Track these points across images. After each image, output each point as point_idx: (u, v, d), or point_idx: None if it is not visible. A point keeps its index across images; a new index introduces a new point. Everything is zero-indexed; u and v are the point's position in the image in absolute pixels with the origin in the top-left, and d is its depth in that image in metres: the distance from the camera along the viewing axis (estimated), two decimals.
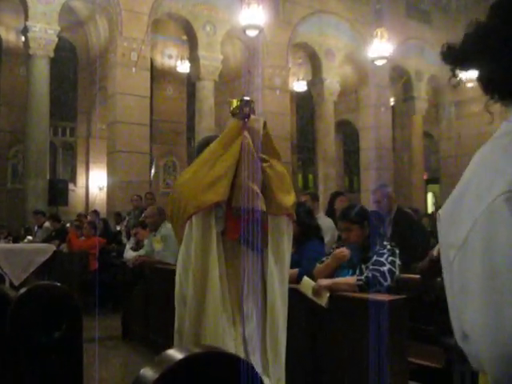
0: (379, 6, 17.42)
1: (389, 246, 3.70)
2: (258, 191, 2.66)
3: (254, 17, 14.11)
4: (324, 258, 3.87)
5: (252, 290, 2.73)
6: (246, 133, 2.69)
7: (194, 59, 16.63)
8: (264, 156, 2.75)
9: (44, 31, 13.94)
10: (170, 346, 5.13)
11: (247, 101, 2.79)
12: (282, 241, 2.85)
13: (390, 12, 18.98)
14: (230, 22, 16.25)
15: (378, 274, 3.44)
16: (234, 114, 2.79)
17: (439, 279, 4.09)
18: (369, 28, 17.77)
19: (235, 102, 2.79)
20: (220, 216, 2.68)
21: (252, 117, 2.76)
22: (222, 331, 2.65)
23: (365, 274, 3.49)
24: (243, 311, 2.73)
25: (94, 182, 19.48)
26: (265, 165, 2.75)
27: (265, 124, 2.83)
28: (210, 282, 2.63)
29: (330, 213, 6.99)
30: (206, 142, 2.96)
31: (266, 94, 16.93)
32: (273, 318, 2.78)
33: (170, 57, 19.93)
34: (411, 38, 21.13)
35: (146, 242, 6.65)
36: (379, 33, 16.58)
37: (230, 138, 2.71)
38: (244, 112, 2.74)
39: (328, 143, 18.69)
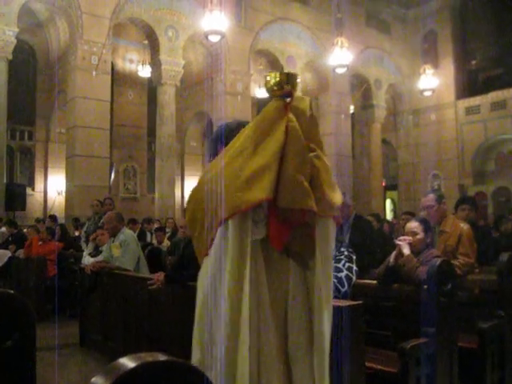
0: (340, 15, 17.64)
1: (346, 252, 3.75)
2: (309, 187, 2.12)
3: (216, 22, 14.13)
4: None
5: (302, 321, 2.16)
6: (291, 114, 2.12)
7: (155, 64, 16.54)
8: (311, 144, 2.21)
9: (2, 32, 13.68)
10: (129, 352, 5.09)
11: (290, 75, 2.19)
12: (330, 250, 2.33)
13: (351, 21, 19.26)
14: (193, 27, 16.24)
15: (335, 280, 3.49)
16: (271, 93, 2.19)
17: (395, 285, 4.18)
18: (329, 36, 17.99)
19: (274, 77, 2.17)
20: (261, 219, 2.11)
21: (297, 95, 2.20)
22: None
23: (340, 274, 3.53)
24: (289, 351, 2.16)
25: (53, 187, 19.14)
26: (312, 155, 2.19)
27: (310, 104, 2.25)
28: (246, 308, 2.06)
29: None
30: (237, 126, 2.40)
31: (227, 100, 16.95)
32: (321, 358, 2.19)
33: (132, 61, 19.78)
34: (371, 47, 21.49)
35: (104, 247, 6.58)
36: (340, 41, 16.80)
37: (269, 121, 2.13)
38: (286, 90, 2.15)
39: None
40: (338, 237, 3.97)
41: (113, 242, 6.25)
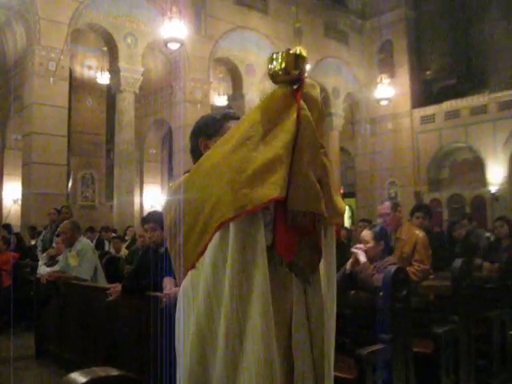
0: (299, 24, 17.86)
1: None
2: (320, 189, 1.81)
3: (175, 30, 14.13)
4: None
5: (306, 345, 1.88)
6: (302, 102, 1.80)
7: (114, 71, 16.41)
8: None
9: None
10: (86, 364, 5.02)
11: (298, 57, 1.80)
12: (334, 263, 2.04)
13: (309, 31, 19.54)
14: (152, 34, 16.18)
15: None
16: (276, 78, 1.83)
17: (352, 292, 4.25)
18: (288, 45, 18.11)
19: (278, 61, 1.81)
20: (267, 223, 1.79)
21: (307, 80, 1.86)
22: None
23: None
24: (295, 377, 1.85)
25: (9, 195, 18.73)
26: (321, 151, 1.90)
27: (320, 92, 1.96)
28: (253, 328, 1.70)
29: None
30: (223, 116, 2.15)
31: (186, 108, 16.93)
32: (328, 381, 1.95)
33: (90, 68, 19.54)
34: (329, 57, 21.79)
35: (60, 257, 6.49)
36: (298, 50, 16.97)
37: (277, 109, 1.80)
38: (293, 75, 1.80)
39: None
40: None
41: (69, 251, 6.17)
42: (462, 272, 4.55)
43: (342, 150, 24.21)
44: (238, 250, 1.71)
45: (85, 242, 6.29)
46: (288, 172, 1.73)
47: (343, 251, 5.81)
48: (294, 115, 1.78)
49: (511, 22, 23.15)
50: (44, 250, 8.29)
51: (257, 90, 19.52)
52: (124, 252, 9.17)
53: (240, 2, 18.68)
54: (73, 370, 0.97)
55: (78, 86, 19.02)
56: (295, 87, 1.83)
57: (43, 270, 6.67)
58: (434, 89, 24.02)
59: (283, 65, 1.79)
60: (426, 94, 23.91)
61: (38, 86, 14.22)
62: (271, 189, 1.69)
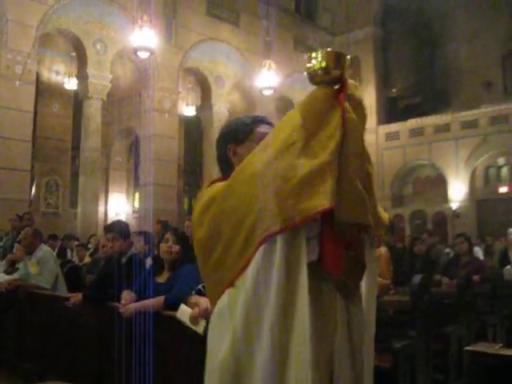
0: (268, 38, 18.01)
1: None
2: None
3: (145, 39, 14.12)
4: (200, 286, 3.91)
5: (347, 365, 1.72)
6: (347, 104, 1.66)
7: (82, 77, 16.29)
8: None
9: None
10: (45, 374, 4.96)
11: (339, 55, 1.66)
12: (376, 277, 1.93)
13: (279, 44, 19.70)
14: (122, 42, 16.12)
15: None
16: (314, 78, 1.68)
17: None
18: (258, 58, 18.31)
19: (319, 57, 1.66)
20: (313, 236, 1.64)
21: (350, 81, 1.72)
22: None
23: None
24: None
25: None
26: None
27: None
28: (297, 354, 1.55)
29: None
30: (253, 121, 2.01)
31: (154, 117, 16.88)
32: None
33: (58, 73, 19.33)
34: (298, 71, 21.97)
35: (20, 265, 6.39)
36: (267, 64, 17.13)
37: (320, 111, 1.64)
38: (334, 75, 1.66)
39: (215, 168, 18.87)
40: None
41: (29, 259, 6.08)
42: (421, 287, 4.65)
43: None
44: (283, 268, 1.55)
45: (45, 250, 6.21)
46: (336, 181, 1.58)
47: None
48: (339, 118, 1.63)
49: (473, 45, 23.80)
50: (4, 256, 8.15)
51: (225, 101, 19.59)
52: (87, 260, 9.06)
53: (212, 14, 18.77)
54: (32, 381, 0.98)
55: (44, 91, 18.79)
56: (336, 88, 1.68)
57: (2, 277, 6.56)
58: (399, 106, 24.48)
59: (323, 64, 1.64)
60: (391, 111, 24.33)
61: (3, 88, 14.01)
62: (321, 199, 1.53)
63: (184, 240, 4.40)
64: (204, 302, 3.62)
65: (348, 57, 1.68)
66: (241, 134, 1.98)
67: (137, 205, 22.25)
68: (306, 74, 1.69)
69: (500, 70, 24.53)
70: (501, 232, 13.93)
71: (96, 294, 4.60)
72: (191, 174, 23.57)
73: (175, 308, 3.71)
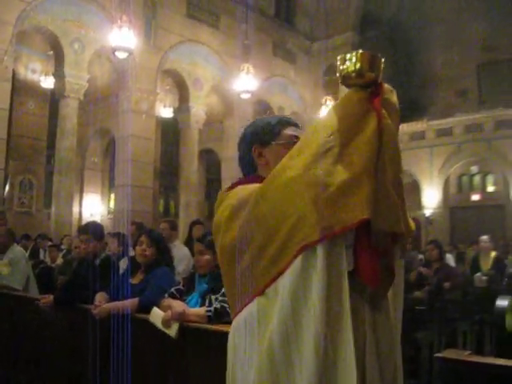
0: (247, 41, 18.04)
1: None
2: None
3: (124, 39, 14.03)
4: (173, 289, 3.93)
5: (376, 377, 1.63)
6: (383, 110, 1.59)
7: (59, 76, 16.12)
8: None
9: None
10: (15, 377, 4.89)
11: (373, 57, 1.61)
12: (402, 284, 1.85)
13: (258, 49, 19.75)
14: (100, 41, 15.99)
15: (226, 305, 3.54)
16: (347, 81, 1.62)
17: None
18: (236, 62, 18.32)
19: (353, 59, 1.59)
20: (349, 246, 1.57)
21: (386, 85, 1.66)
22: None
23: (214, 305, 3.58)
24: None
25: None
26: None
27: None
28: (343, 372, 1.48)
29: (188, 241, 7.08)
30: (278, 122, 1.96)
31: (132, 118, 16.79)
32: None
33: (34, 71, 19.11)
34: (276, 75, 22.06)
35: None
36: (246, 67, 17.15)
37: (355, 115, 1.58)
38: (369, 78, 1.60)
39: (191, 170, 18.87)
40: None
41: (1, 259, 6.01)
42: None
43: None
44: (325, 276, 1.47)
45: (17, 251, 6.15)
46: (373, 189, 1.52)
47: None
48: (375, 124, 1.56)
49: (449, 54, 24.18)
50: None
51: (203, 103, 19.56)
52: (60, 262, 8.98)
53: (192, 16, 18.73)
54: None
55: (20, 89, 18.56)
56: (369, 91, 1.61)
57: None
58: None
59: (358, 66, 1.58)
60: None
61: None
62: (359, 208, 1.48)
63: (159, 242, 4.40)
64: (177, 305, 3.63)
65: (383, 60, 1.63)
66: (267, 135, 1.93)
67: (112, 206, 22.09)
68: (338, 75, 1.63)
69: (475, 80, 25.00)
70: (473, 239, 14.13)
71: (67, 296, 4.56)
72: (167, 176, 23.48)
73: (149, 310, 3.71)
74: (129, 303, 3.93)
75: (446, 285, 7.21)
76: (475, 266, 9.80)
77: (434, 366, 5.20)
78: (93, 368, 3.83)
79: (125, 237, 6.16)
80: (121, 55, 14.43)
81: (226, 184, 20.18)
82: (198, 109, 19.25)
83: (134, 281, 4.28)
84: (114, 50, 14.29)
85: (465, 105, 23.81)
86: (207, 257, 3.89)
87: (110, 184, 22.48)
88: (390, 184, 1.58)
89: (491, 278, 8.85)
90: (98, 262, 4.94)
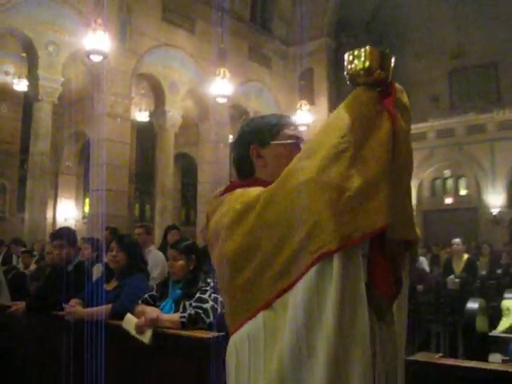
0: (223, 46, 18.04)
1: (212, 283, 3.85)
2: None
3: (99, 42, 13.94)
4: (146, 295, 3.92)
5: None
6: (396, 111, 1.51)
7: (32, 79, 15.97)
8: None
9: None
10: None
11: (383, 55, 1.53)
12: (407, 293, 1.76)
13: (234, 53, 19.78)
14: (75, 44, 15.85)
15: (200, 311, 3.56)
16: (355, 79, 1.55)
17: None
18: (212, 66, 18.30)
19: (362, 56, 1.52)
20: (363, 255, 1.47)
21: (397, 85, 1.57)
22: None
23: (188, 311, 3.59)
24: None
25: None
26: None
27: None
28: (358, 372, 1.38)
29: (164, 246, 7.06)
30: (278, 121, 1.86)
31: (106, 122, 16.68)
32: None
33: (7, 73, 18.90)
34: (252, 80, 22.10)
35: None
36: (222, 72, 17.15)
37: (367, 116, 1.49)
38: (378, 77, 1.51)
39: (167, 175, 18.80)
40: (205, 267, 4.09)
41: None
42: None
43: None
44: (341, 292, 1.36)
45: None
46: (391, 194, 1.42)
47: None
48: (388, 126, 1.47)
49: (422, 60, 24.54)
50: None
51: (179, 107, 19.51)
52: (33, 267, 8.88)
53: (167, 20, 18.68)
54: None
55: None
56: (379, 91, 1.53)
57: None
58: None
59: (367, 64, 1.50)
60: None
61: None
62: (380, 214, 1.38)
63: (130, 248, 4.38)
64: (151, 311, 3.63)
65: (393, 58, 1.54)
66: (266, 134, 1.82)
67: (87, 210, 21.91)
68: (345, 73, 1.56)
69: (447, 86, 25.36)
70: (446, 242, 14.32)
71: (40, 303, 4.53)
72: (143, 180, 23.37)
73: (123, 317, 3.70)
74: (102, 310, 3.91)
75: (419, 287, 7.30)
76: (448, 269, 9.94)
77: (408, 368, 5.26)
78: (67, 375, 3.81)
79: (99, 242, 6.13)
80: (95, 58, 14.33)
81: (202, 188, 20.17)
82: (174, 113, 19.20)
83: (109, 287, 4.27)
84: (88, 54, 14.19)
85: (437, 110, 24.12)
86: (181, 262, 3.90)
87: (84, 188, 22.30)
88: (405, 189, 1.53)
89: (463, 281, 8.98)
90: (70, 268, 4.90)
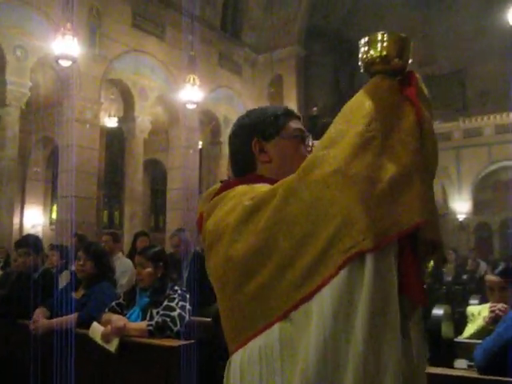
0: (193, 52, 18.07)
1: (180, 291, 3.87)
2: None
3: (68, 47, 13.86)
4: (113, 304, 3.91)
5: None
6: (419, 101, 1.37)
7: (0, 83, 15.75)
8: None
9: None
10: None
11: (402, 40, 1.40)
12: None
13: (204, 60, 19.79)
14: (44, 49, 15.69)
15: (168, 319, 3.57)
16: (370, 67, 1.42)
17: None
18: (182, 72, 18.31)
19: (378, 43, 1.39)
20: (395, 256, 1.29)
21: (417, 74, 1.43)
22: None
23: (155, 319, 3.60)
24: None
25: None
26: None
27: None
28: None
29: (132, 253, 7.03)
30: (285, 112, 1.72)
31: (75, 127, 16.53)
32: None
33: None
34: (222, 87, 22.15)
35: None
36: (192, 78, 17.18)
37: (389, 105, 1.35)
38: (395, 65, 1.38)
39: (136, 181, 18.70)
40: (173, 275, 4.10)
41: None
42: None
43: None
44: (374, 298, 1.18)
45: None
46: (425, 187, 1.28)
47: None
48: (414, 116, 1.33)
49: None
50: None
51: (148, 113, 19.44)
52: None
53: (137, 26, 18.62)
54: None
55: None
56: (398, 80, 1.39)
57: None
58: (318, 125, 25.15)
59: (384, 52, 1.37)
60: (312, 129, 24.86)
61: None
62: (416, 208, 1.23)
63: (97, 256, 4.37)
64: (117, 319, 3.62)
65: (412, 43, 1.41)
66: (271, 127, 1.65)
67: (55, 217, 21.64)
68: (360, 62, 1.43)
69: None
70: None
71: (5, 311, 4.48)
72: (112, 186, 23.18)
73: (89, 326, 3.69)
74: (68, 319, 3.89)
75: None
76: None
77: None
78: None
79: (67, 249, 6.09)
80: (64, 63, 14.25)
81: (172, 194, 20.12)
82: (144, 119, 19.12)
83: (77, 296, 4.25)
84: (57, 58, 14.11)
85: None
86: (148, 270, 3.90)
87: (52, 194, 22.03)
88: (431, 182, 1.36)
89: (429, 287, 9.11)
90: (36, 275, 4.86)
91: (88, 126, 16.86)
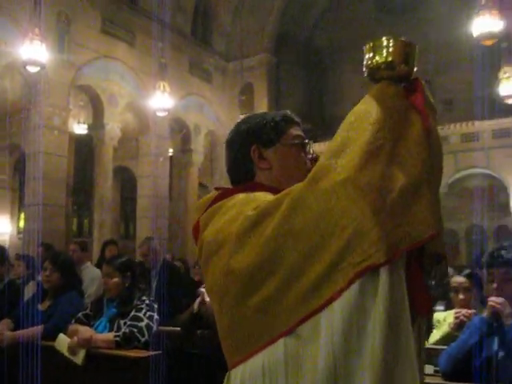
0: (164, 60, 18.01)
1: (147, 301, 3.84)
2: None
3: (36, 53, 13.69)
4: (80, 314, 3.87)
5: None
6: (425, 108, 1.32)
7: None
8: None
9: None
10: None
11: (409, 45, 1.35)
12: None
13: (174, 67, 19.73)
14: (12, 54, 15.47)
15: (135, 330, 3.54)
16: (375, 73, 1.37)
17: (199, 331, 4.34)
18: (152, 79, 18.23)
19: (384, 49, 1.33)
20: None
21: (422, 81, 1.39)
22: None
23: (122, 330, 3.57)
24: None
25: None
26: None
27: None
28: None
29: (101, 262, 6.97)
30: (283, 118, 1.68)
31: (43, 134, 16.30)
32: None
33: None
34: (192, 94, 22.12)
35: None
36: (162, 85, 17.12)
37: (396, 112, 1.31)
38: (401, 71, 1.34)
39: (105, 188, 18.54)
40: (141, 285, 4.07)
41: None
42: None
43: (201, 185, 24.50)
44: (388, 312, 1.13)
45: None
46: (434, 198, 1.24)
47: (194, 289, 5.90)
48: (420, 124, 1.28)
49: (360, 77, 25.21)
50: None
51: (118, 120, 19.31)
52: None
53: (107, 32, 18.50)
54: None
55: None
56: (413, 83, 1.35)
57: None
58: None
59: (390, 58, 1.32)
60: None
61: None
62: (428, 219, 1.19)
63: (64, 267, 4.31)
64: (84, 330, 3.58)
65: (417, 49, 1.36)
66: (271, 133, 1.61)
67: (22, 225, 21.29)
68: (364, 68, 1.38)
69: None
70: None
71: None
72: (81, 194, 22.93)
73: (55, 337, 3.64)
74: (34, 330, 3.83)
75: None
76: None
77: None
78: None
79: (33, 259, 6.00)
80: (32, 69, 14.08)
81: (141, 202, 19.99)
82: (113, 125, 18.97)
83: (43, 307, 4.18)
84: (25, 64, 13.94)
85: None
86: (116, 279, 3.86)
87: (19, 202, 21.68)
88: (438, 192, 1.30)
89: None
90: (1, 286, 4.78)
91: (56, 132, 16.66)
